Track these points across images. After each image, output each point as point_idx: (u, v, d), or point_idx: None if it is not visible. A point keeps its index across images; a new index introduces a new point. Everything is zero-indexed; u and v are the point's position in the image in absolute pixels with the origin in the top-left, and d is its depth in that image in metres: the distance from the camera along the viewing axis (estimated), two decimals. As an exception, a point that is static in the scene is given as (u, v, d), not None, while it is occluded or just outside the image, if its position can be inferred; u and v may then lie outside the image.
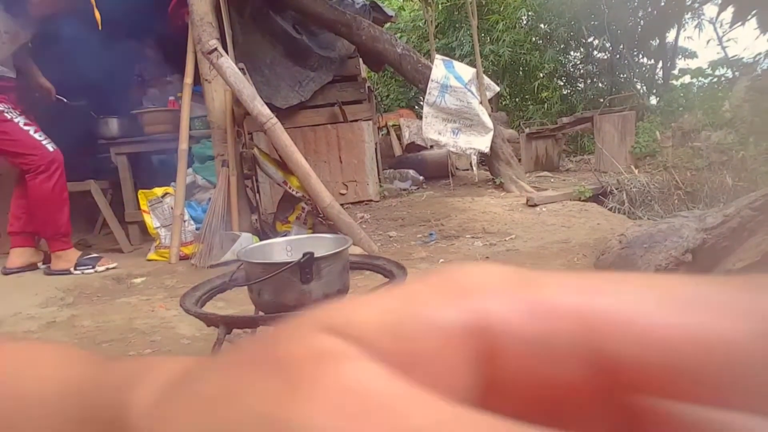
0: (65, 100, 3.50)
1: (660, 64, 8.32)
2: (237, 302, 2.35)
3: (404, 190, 5.49)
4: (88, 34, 3.41)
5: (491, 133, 4.84)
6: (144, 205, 3.64)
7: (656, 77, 8.45)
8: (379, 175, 5.21)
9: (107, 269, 3.29)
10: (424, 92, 4.84)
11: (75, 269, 3.21)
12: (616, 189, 4.27)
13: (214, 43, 3.05)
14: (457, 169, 6.28)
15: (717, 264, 0.87)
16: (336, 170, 4.90)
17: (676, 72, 7.92)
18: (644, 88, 8.55)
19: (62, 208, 3.16)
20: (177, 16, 3.79)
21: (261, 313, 1.63)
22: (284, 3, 4.69)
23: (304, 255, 1.46)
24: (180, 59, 3.63)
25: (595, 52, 9.49)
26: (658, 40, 8.25)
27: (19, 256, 3.28)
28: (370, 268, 1.85)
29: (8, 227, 3.32)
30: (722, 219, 0.85)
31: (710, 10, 7.89)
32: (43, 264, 3.33)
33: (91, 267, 3.25)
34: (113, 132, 4.15)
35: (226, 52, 3.38)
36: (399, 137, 7.33)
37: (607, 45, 9.01)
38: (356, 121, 4.90)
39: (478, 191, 4.87)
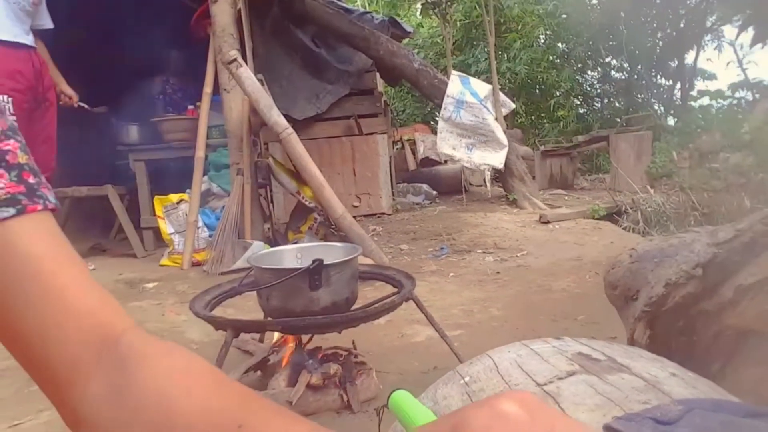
0: (87, 107, 3.58)
1: (678, 85, 8.27)
2: (246, 310, 2.37)
3: (417, 204, 5.49)
4: (111, 41, 3.50)
5: (506, 149, 4.84)
6: (159, 211, 3.69)
7: (674, 98, 8.40)
8: (392, 188, 5.22)
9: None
10: (440, 107, 4.87)
11: None
12: (631, 209, 4.23)
13: (235, 53, 3.11)
14: (470, 184, 6.27)
15: (727, 279, 0.86)
16: (350, 182, 4.93)
17: (694, 93, 7.86)
18: (662, 108, 8.50)
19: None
20: (199, 27, 3.87)
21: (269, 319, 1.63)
22: (304, 17, 4.77)
23: (314, 261, 1.46)
24: (200, 70, 3.70)
25: (613, 72, 9.47)
26: (676, 61, 8.22)
27: None
28: (379, 277, 1.85)
29: None
30: (734, 233, 0.84)
31: (730, 31, 7.85)
32: None
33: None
34: (133, 139, 4.23)
35: (246, 63, 3.44)
36: (413, 152, 7.35)
37: (625, 65, 9.00)
38: (371, 134, 4.93)
39: (491, 207, 4.86)
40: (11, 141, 0.42)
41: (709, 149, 5.02)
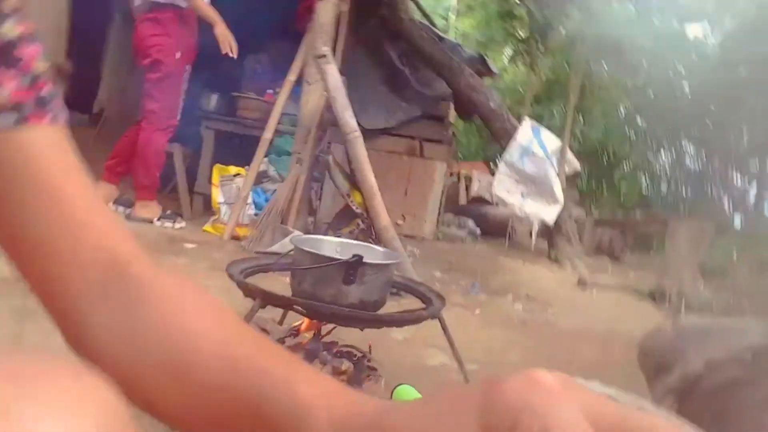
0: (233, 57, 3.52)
1: (755, 188, 7.93)
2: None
3: (459, 237, 5.46)
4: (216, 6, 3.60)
5: (559, 206, 4.77)
6: (216, 179, 3.83)
7: (747, 199, 8.05)
8: (438, 216, 5.22)
9: (180, 228, 3.58)
10: (504, 151, 4.86)
11: (157, 221, 3.52)
12: (676, 296, 4.06)
13: (327, 50, 3.23)
14: (515, 232, 6.19)
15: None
16: (399, 200, 4.96)
17: (769, 201, 7.53)
18: (731, 206, 8.17)
19: (160, 164, 3.54)
20: (302, 19, 4.05)
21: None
22: (398, 34, 4.91)
23: (354, 256, 1.49)
24: (291, 59, 3.85)
25: (688, 160, 9.20)
26: (759, 164, 7.91)
27: (102, 188, 3.50)
28: (411, 291, 1.86)
29: (107, 161, 3.60)
30: (793, 328, 0.81)
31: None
32: (115, 204, 3.55)
33: (172, 221, 3.57)
34: (211, 107, 4.43)
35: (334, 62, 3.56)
36: (467, 187, 7.34)
37: (703, 156, 8.73)
38: (431, 159, 4.97)
39: (532, 258, 4.78)
40: (33, 46, 0.39)
41: (773, 260, 4.78)
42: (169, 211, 3.68)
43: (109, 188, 3.55)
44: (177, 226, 3.59)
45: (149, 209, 3.51)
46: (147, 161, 3.43)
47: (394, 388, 0.58)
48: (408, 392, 0.55)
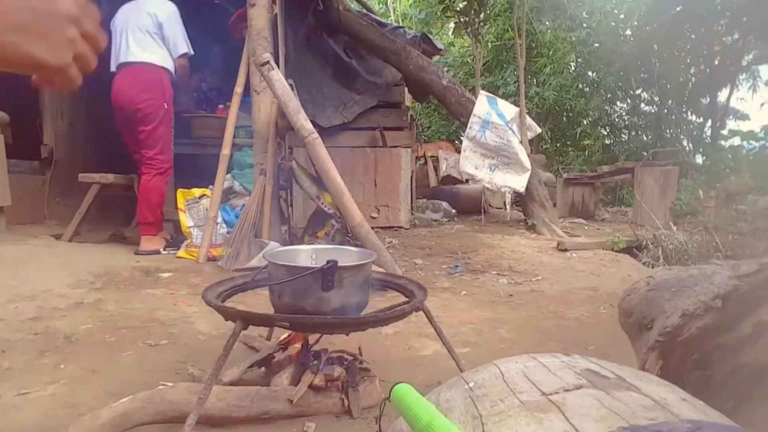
0: None
1: (709, 123, 8.16)
2: (256, 308, 2.38)
3: (435, 220, 5.48)
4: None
5: (528, 173, 4.81)
6: (181, 203, 3.75)
7: (704, 136, 8.28)
8: (411, 203, 5.23)
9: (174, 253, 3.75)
10: (466, 126, 4.88)
11: (164, 250, 3.74)
12: (652, 244, 4.15)
13: (268, 56, 3.17)
14: (490, 206, 6.25)
15: (748, 314, 0.84)
16: (370, 193, 4.95)
17: (725, 132, 7.74)
18: (690, 145, 8.39)
19: (162, 203, 3.80)
20: (236, 29, 3.96)
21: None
22: (338, 27, 4.85)
23: (328, 262, 1.47)
24: (236, 70, 3.78)
25: (643, 105, 9.39)
26: (708, 99, 8.11)
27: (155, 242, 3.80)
28: (391, 286, 1.85)
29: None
30: (758, 267, 0.82)
31: (767, 71, 7.74)
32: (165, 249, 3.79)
33: (176, 248, 3.75)
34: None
35: (278, 67, 3.50)
36: (436, 168, 7.36)
37: (656, 99, 8.92)
38: (395, 147, 4.96)
39: (509, 230, 4.83)
40: None
41: (737, 191, 4.92)
42: (170, 239, 3.90)
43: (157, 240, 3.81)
44: (182, 250, 3.72)
45: (154, 242, 3.74)
46: (151, 202, 3.71)
47: (392, 388, 0.57)
48: (406, 392, 0.54)
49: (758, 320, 0.84)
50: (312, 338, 1.76)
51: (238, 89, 3.71)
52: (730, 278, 0.89)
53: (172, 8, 3.73)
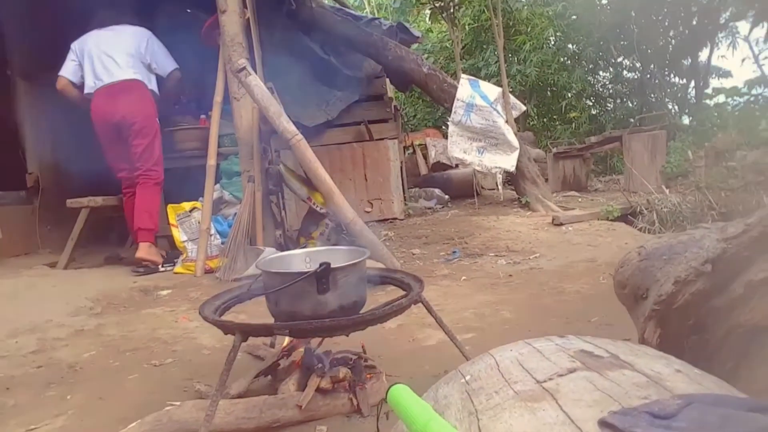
0: None
1: (692, 84, 8.16)
2: (258, 316, 2.37)
3: (429, 208, 5.48)
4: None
5: (517, 152, 4.81)
6: (173, 219, 3.73)
7: (688, 97, 8.28)
8: (404, 193, 5.22)
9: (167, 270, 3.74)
10: (450, 112, 4.86)
11: (161, 267, 3.69)
12: (646, 209, 4.17)
13: (243, 62, 3.14)
14: (482, 188, 6.25)
15: (738, 275, 0.84)
16: (361, 188, 4.94)
17: (709, 91, 7.75)
18: (676, 107, 8.40)
19: (158, 212, 3.82)
20: (209, 37, 3.92)
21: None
22: (312, 24, 4.81)
23: (321, 265, 1.46)
24: (214, 79, 3.75)
25: (625, 72, 9.38)
26: (690, 60, 8.11)
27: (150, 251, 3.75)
28: (387, 281, 1.85)
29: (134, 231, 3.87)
30: (744, 228, 0.82)
31: (745, 28, 7.74)
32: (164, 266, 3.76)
33: (173, 264, 3.72)
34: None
35: (256, 71, 3.48)
36: (425, 156, 7.35)
37: (637, 65, 8.91)
38: (382, 139, 4.94)
39: (503, 210, 4.83)
40: None
41: (726, 147, 4.94)
42: (165, 256, 3.86)
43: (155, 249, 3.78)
44: (178, 265, 3.71)
45: (150, 251, 3.67)
46: (151, 209, 3.73)
47: (388, 390, 0.56)
48: (402, 393, 0.53)
49: (748, 280, 0.84)
50: (314, 342, 1.76)
51: (218, 98, 3.68)
52: (718, 241, 0.89)
53: (147, 34, 3.73)
